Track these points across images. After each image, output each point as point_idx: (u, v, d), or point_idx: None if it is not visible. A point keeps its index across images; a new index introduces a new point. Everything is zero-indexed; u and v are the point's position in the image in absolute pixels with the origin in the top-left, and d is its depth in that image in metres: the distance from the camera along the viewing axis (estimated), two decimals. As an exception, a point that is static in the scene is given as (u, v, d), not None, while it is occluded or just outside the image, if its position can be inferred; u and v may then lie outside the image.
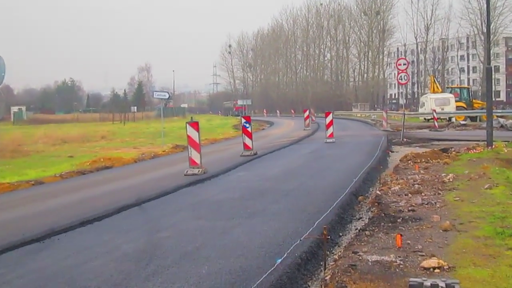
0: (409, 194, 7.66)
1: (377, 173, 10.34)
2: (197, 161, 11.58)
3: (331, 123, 19.61)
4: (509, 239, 5.04)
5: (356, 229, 6.39)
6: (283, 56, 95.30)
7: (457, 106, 32.93)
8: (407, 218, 6.18)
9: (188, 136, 11.66)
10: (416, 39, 73.37)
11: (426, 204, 6.90)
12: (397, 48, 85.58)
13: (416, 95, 73.46)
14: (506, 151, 12.52)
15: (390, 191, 8.09)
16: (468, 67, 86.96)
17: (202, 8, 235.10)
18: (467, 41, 79.49)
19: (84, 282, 4.63)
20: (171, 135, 28.14)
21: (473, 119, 31.56)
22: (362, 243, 5.26)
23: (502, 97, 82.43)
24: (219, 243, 5.71)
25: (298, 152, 16.65)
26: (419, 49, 74.69)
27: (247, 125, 15.48)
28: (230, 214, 7.17)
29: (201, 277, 4.57)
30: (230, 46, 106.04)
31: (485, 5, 15.14)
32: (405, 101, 65.52)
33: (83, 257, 5.44)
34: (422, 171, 10.12)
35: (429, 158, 11.97)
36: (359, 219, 7.12)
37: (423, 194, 7.60)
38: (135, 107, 76.70)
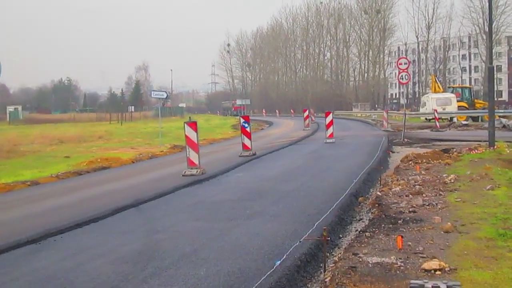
0: (410, 195, 7.63)
1: (378, 174, 10.34)
2: (196, 161, 11.53)
3: (331, 123, 19.57)
4: (511, 240, 5.01)
5: (356, 230, 6.36)
6: (282, 55, 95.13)
7: (458, 106, 32.85)
8: (408, 220, 6.15)
9: (186, 136, 11.62)
10: (417, 38, 73.18)
11: (427, 205, 6.87)
12: (398, 47, 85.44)
13: (417, 95, 73.41)
14: (508, 151, 12.47)
15: (390, 192, 8.05)
16: (470, 66, 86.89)
17: (201, 7, 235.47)
18: (469, 40, 79.51)
19: (81, 285, 4.61)
20: (169, 135, 28.12)
21: (475, 119, 31.48)
22: (363, 245, 5.23)
23: (504, 97, 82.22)
24: (217, 244, 5.68)
25: (297, 152, 16.61)
26: (420, 48, 74.56)
27: (246, 125, 15.43)
28: (228, 215, 7.14)
29: (200, 279, 4.55)
30: (228, 45, 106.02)
31: (487, 4, 15.09)
32: (406, 101, 65.56)
33: (80, 259, 5.41)
34: (423, 172, 10.08)
35: (430, 159, 11.94)
36: (359, 220, 7.09)
37: (424, 195, 7.56)
38: (133, 107, 76.33)
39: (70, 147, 22.76)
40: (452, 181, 8.61)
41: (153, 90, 31.50)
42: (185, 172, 11.44)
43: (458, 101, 33.52)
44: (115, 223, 7.16)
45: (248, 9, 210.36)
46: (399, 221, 6.11)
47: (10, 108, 72.14)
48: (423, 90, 68.83)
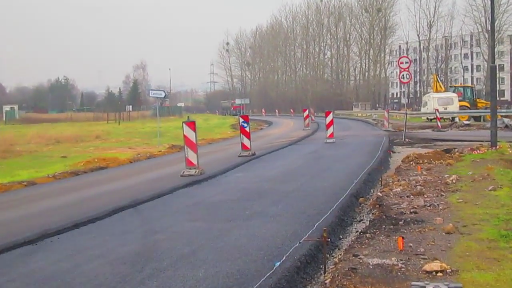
0: (411, 196, 7.59)
1: (379, 174, 10.32)
2: (194, 161, 11.49)
3: (331, 123, 19.53)
4: (513, 242, 4.97)
5: (357, 231, 6.34)
6: (282, 54, 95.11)
7: (460, 106, 32.79)
8: (409, 220, 6.12)
9: (185, 136, 11.57)
10: (419, 37, 73.12)
11: (429, 206, 6.83)
12: (399, 46, 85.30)
13: (418, 94, 73.29)
14: (510, 151, 12.43)
15: (391, 193, 8.01)
16: (472, 65, 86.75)
17: (199, 5, 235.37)
18: (471, 39, 79.38)
19: (78, 286, 4.59)
20: (167, 135, 28.11)
21: (477, 119, 31.44)
22: (363, 246, 5.20)
23: (507, 96, 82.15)
24: (216, 245, 5.65)
25: (297, 152, 16.57)
26: (421, 47, 74.53)
27: (245, 125, 15.40)
28: (227, 216, 7.10)
29: (198, 280, 4.52)
30: (228, 43, 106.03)
31: (489, 2, 14.97)
32: (407, 101, 65.67)
33: (77, 260, 5.38)
34: (424, 172, 10.04)
35: (431, 159, 11.89)
36: (360, 221, 7.06)
37: (425, 196, 7.53)
38: (130, 106, 76.12)
39: (67, 147, 22.77)
40: (454, 181, 8.58)
41: (151, 89, 31.51)
42: (183, 172, 11.39)
43: (460, 100, 33.44)
44: (113, 223, 7.13)
45: (247, 7, 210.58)
46: (400, 222, 6.07)
47: (6, 108, 72.19)
48: (425, 90, 68.85)
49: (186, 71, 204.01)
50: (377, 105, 71.19)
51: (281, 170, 11.97)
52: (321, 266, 5.03)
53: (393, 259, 4.63)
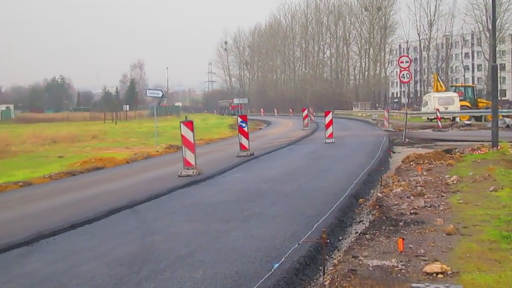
0: (412, 197, 7.57)
1: (378, 175, 10.30)
2: (192, 162, 11.44)
3: (330, 122, 19.50)
4: (515, 243, 4.96)
5: (357, 232, 6.31)
6: (281, 53, 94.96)
7: (461, 106, 32.73)
8: (409, 222, 6.09)
9: (182, 136, 11.53)
10: (419, 36, 73.11)
11: (429, 207, 6.81)
12: (399, 45, 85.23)
13: (418, 94, 73.38)
14: (512, 152, 12.40)
15: (391, 193, 7.99)
16: (473, 65, 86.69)
17: (197, 3, 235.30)
18: (472, 38, 79.36)
19: (74, 287, 4.56)
20: (164, 135, 28.12)
21: (478, 118, 31.41)
22: (363, 247, 5.18)
23: (508, 96, 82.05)
24: (214, 246, 5.62)
25: (296, 152, 16.55)
26: (422, 46, 74.55)
27: (244, 125, 15.35)
28: (225, 217, 7.07)
29: (196, 282, 4.50)
30: (226, 42, 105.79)
31: (491, 1, 14.94)
32: (407, 100, 65.66)
33: (73, 261, 5.35)
34: (425, 173, 10.02)
35: (432, 159, 11.86)
36: (359, 222, 7.04)
37: (426, 197, 7.51)
38: (127, 106, 76.36)
39: (63, 147, 22.77)
40: (455, 182, 8.56)
41: (149, 89, 31.52)
42: (181, 172, 11.35)
43: (460, 100, 33.38)
44: (110, 224, 7.09)
45: (245, 6, 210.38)
46: (400, 223, 6.05)
47: (2, 107, 72.52)
48: (425, 89, 68.88)
49: (183, 71, 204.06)
50: (377, 105, 71.13)
51: (280, 171, 11.94)
52: (320, 268, 5.01)
53: (393, 260, 4.61)
